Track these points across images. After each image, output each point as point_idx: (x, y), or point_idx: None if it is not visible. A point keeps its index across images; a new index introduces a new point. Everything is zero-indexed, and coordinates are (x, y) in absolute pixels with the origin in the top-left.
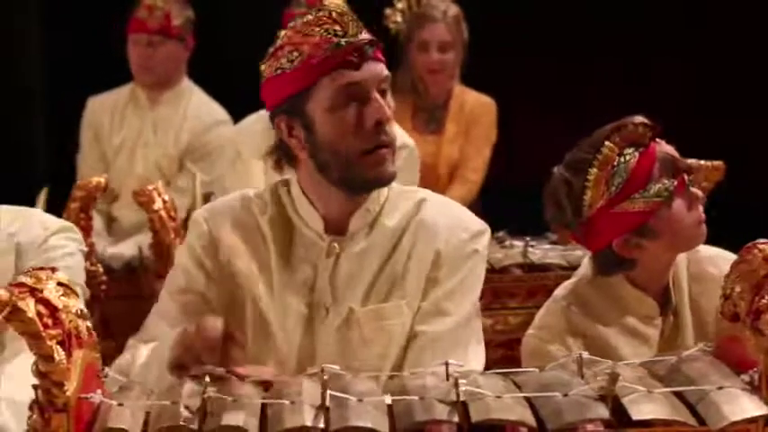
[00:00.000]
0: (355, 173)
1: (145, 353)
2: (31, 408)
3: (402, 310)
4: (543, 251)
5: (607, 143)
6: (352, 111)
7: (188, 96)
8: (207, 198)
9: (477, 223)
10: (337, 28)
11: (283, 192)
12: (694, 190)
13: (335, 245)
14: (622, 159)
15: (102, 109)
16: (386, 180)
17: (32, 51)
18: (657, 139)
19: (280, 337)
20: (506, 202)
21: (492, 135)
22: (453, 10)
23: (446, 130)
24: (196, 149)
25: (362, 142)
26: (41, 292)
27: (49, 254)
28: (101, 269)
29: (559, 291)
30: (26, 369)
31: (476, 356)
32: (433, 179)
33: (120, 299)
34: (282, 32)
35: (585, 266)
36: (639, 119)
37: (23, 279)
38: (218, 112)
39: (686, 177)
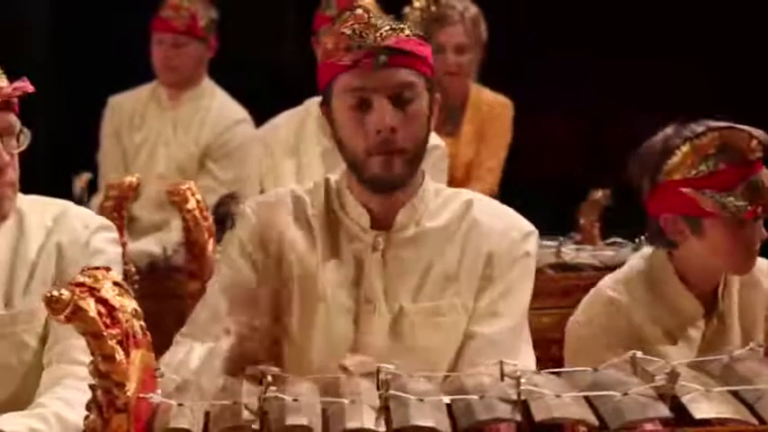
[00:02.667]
0: (364, 170)
1: (197, 357)
2: (88, 408)
3: (457, 308)
4: (575, 251)
5: (712, 133)
6: (359, 115)
7: (209, 95)
8: (232, 198)
9: (527, 224)
10: (362, 31)
11: (329, 187)
12: (761, 227)
13: (380, 240)
14: (719, 156)
15: (122, 108)
16: (393, 181)
17: (42, 51)
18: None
19: (326, 333)
20: (520, 201)
21: (508, 136)
22: (472, 11)
23: (462, 133)
24: (217, 148)
25: (366, 145)
26: (99, 291)
27: (92, 259)
28: (133, 269)
29: (605, 281)
30: (76, 394)
31: (527, 357)
32: (449, 181)
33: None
34: (328, 27)
35: (636, 259)
36: (759, 134)
37: (81, 278)
38: (238, 111)
39: (759, 211)
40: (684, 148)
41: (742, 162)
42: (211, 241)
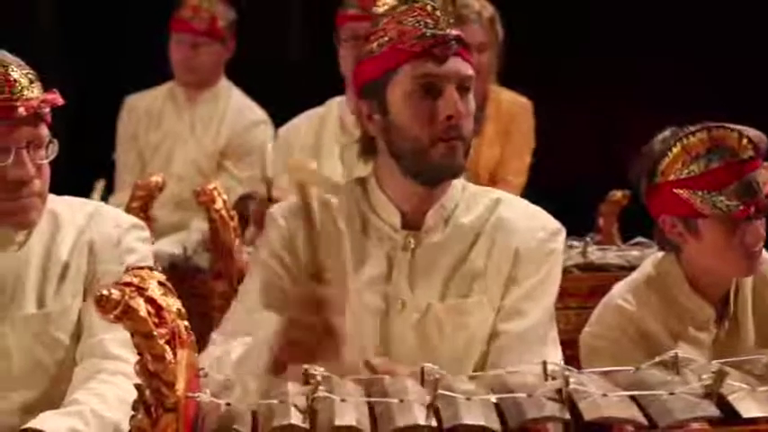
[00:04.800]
0: (425, 160)
1: (239, 349)
2: (134, 407)
3: (483, 306)
4: (602, 252)
5: (701, 134)
6: (427, 102)
7: (226, 96)
8: (249, 197)
9: (554, 222)
10: (429, 20)
11: (357, 188)
12: (758, 228)
13: (411, 239)
14: (709, 155)
15: (138, 108)
16: (454, 170)
17: (51, 52)
18: (765, 165)
19: (355, 332)
20: (536, 202)
21: (532, 137)
22: (488, 10)
23: (484, 133)
24: (236, 148)
25: (433, 132)
26: (146, 290)
27: (125, 257)
28: (159, 268)
29: (616, 289)
30: (111, 389)
31: (554, 357)
32: (473, 182)
33: None
34: (379, 19)
35: (647, 266)
36: (749, 132)
37: (129, 278)
38: (256, 111)
39: (752, 211)
40: (675, 149)
41: (733, 161)
42: (238, 241)
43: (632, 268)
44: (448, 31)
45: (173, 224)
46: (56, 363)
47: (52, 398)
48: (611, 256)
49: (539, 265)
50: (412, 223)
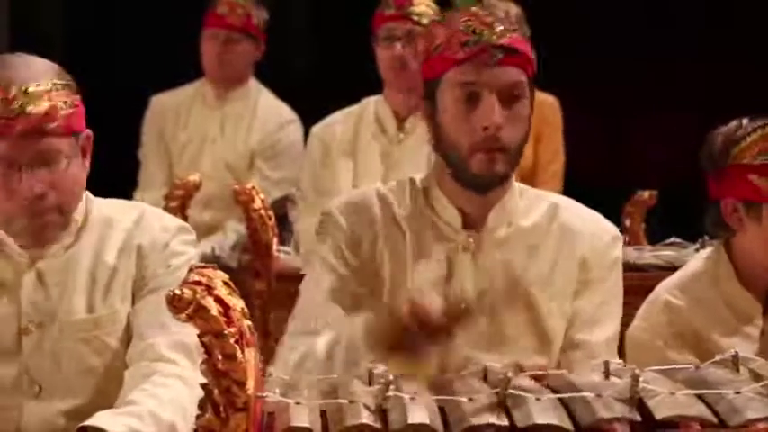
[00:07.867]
0: (464, 168)
1: (323, 347)
2: (201, 407)
3: (552, 311)
4: (638, 252)
5: None
6: (467, 110)
7: (255, 95)
8: (287, 200)
9: (613, 227)
10: (477, 27)
11: (415, 186)
12: None
13: (472, 240)
14: None
15: (166, 107)
16: (491, 179)
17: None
18: None
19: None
20: None
21: (561, 135)
22: (515, 10)
23: None
24: (267, 148)
25: (471, 141)
26: (214, 290)
27: (172, 260)
28: None
29: (662, 285)
30: (166, 390)
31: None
32: None
33: None
34: (434, 22)
35: (693, 263)
36: None
37: (197, 277)
38: (287, 111)
39: None
40: (755, 135)
41: None
42: (276, 241)
43: (669, 268)
44: (495, 39)
45: (203, 223)
46: (105, 367)
47: (99, 403)
48: (648, 256)
49: (607, 272)
50: (473, 224)
